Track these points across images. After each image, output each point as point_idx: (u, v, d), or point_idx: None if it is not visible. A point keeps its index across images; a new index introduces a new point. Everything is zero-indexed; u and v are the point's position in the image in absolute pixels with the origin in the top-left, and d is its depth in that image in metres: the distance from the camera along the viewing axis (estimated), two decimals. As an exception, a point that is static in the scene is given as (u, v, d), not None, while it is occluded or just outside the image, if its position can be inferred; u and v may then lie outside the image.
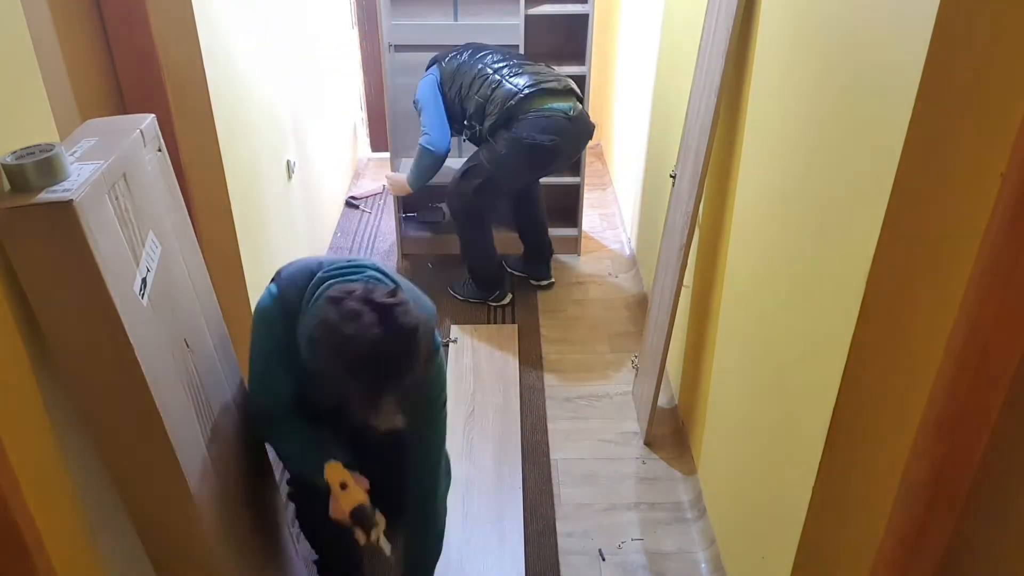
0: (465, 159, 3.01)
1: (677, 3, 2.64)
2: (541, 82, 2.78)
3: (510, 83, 2.78)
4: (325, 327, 1.30)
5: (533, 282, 3.35)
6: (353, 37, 4.39)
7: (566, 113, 2.80)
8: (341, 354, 1.29)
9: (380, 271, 1.54)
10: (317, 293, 1.44)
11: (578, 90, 2.91)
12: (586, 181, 3.51)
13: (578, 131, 2.88)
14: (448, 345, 2.95)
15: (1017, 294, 0.96)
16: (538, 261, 3.34)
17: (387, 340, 1.29)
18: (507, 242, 3.31)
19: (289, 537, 1.92)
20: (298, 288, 1.51)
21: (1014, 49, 0.95)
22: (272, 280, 1.57)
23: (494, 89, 2.79)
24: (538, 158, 2.85)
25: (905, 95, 1.05)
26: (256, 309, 1.56)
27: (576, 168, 3.36)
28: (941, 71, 1.01)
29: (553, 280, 3.35)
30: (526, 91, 2.75)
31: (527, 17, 3.14)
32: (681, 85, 2.49)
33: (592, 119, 2.97)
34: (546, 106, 2.77)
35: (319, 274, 1.50)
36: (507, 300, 3.22)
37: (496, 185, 2.92)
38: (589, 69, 3.21)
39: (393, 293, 1.36)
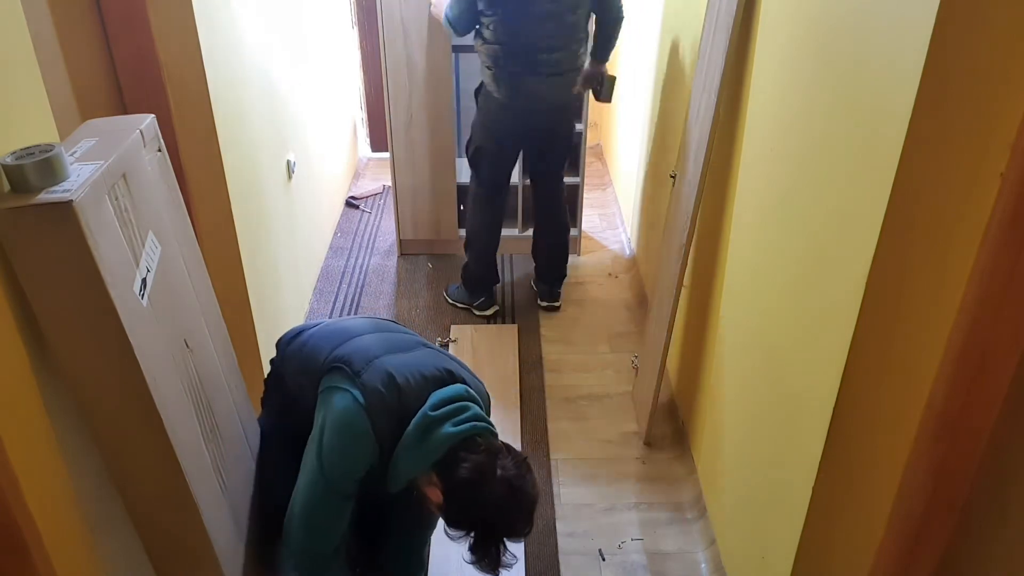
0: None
1: (677, 3, 2.64)
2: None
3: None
4: (480, 500, 1.43)
5: (540, 301, 3.22)
6: (353, 37, 4.39)
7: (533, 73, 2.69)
8: (482, 523, 1.44)
9: (469, 392, 1.58)
10: (435, 442, 1.46)
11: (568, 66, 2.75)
12: (586, 181, 3.51)
13: (540, 94, 2.75)
14: (447, 345, 2.95)
15: (1017, 294, 0.96)
16: (548, 278, 3.21)
17: (526, 523, 1.49)
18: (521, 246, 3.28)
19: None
20: (387, 408, 1.50)
21: (1014, 49, 0.95)
22: (339, 370, 1.53)
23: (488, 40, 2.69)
24: (494, 113, 2.80)
25: (905, 95, 1.05)
26: (341, 422, 1.48)
27: (576, 168, 3.36)
28: (941, 71, 1.01)
29: (559, 305, 3.19)
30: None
31: (527, 17, 3.14)
32: (681, 85, 2.49)
33: (591, 118, 2.95)
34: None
35: (426, 411, 1.49)
36: (491, 311, 3.13)
37: (480, 147, 2.90)
38: (589, 69, 3.21)
39: (521, 463, 1.48)
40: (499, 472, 1.43)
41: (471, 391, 1.59)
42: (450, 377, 1.60)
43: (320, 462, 1.49)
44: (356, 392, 1.49)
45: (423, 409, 1.50)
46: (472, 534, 1.44)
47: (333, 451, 1.49)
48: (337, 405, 1.50)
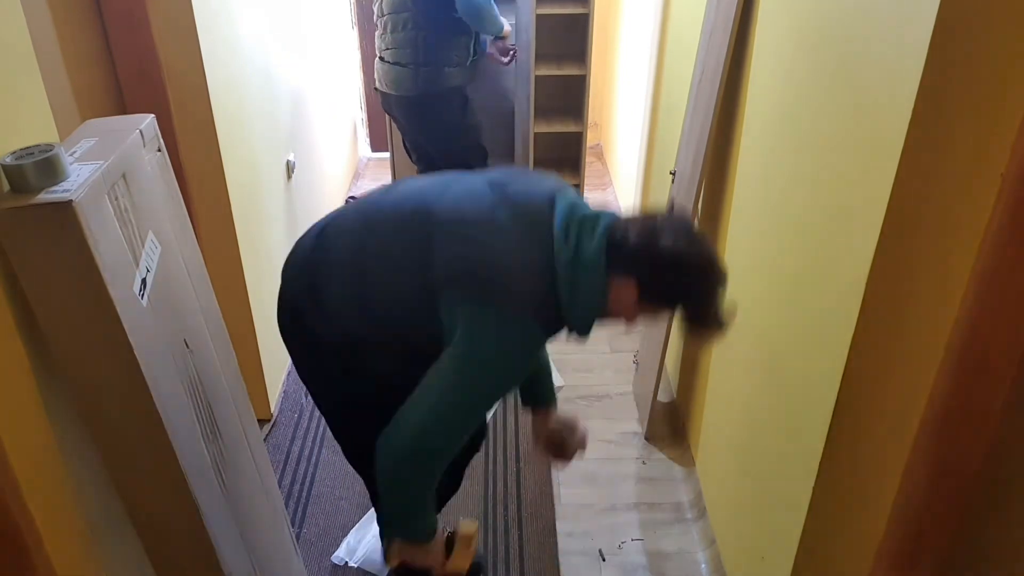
0: None
1: (677, 3, 2.64)
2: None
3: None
4: (697, 261, 1.27)
5: None
6: (353, 37, 4.39)
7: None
8: (691, 277, 1.26)
9: (566, 197, 1.36)
10: (589, 264, 1.27)
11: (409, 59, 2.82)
12: (586, 181, 3.51)
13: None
14: None
15: (1017, 294, 0.96)
16: None
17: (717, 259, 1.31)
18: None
19: (290, 537, 1.92)
20: (541, 297, 1.30)
21: (1014, 49, 0.95)
22: (490, 303, 1.28)
23: None
24: None
25: (905, 94, 1.05)
26: (515, 349, 1.32)
27: (576, 168, 3.37)
28: (941, 71, 1.01)
29: None
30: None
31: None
32: (680, 83, 2.49)
33: (591, 118, 2.95)
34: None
35: (564, 257, 1.28)
36: None
37: None
38: (589, 69, 3.21)
39: (668, 216, 1.34)
40: (663, 228, 1.26)
41: (567, 194, 1.37)
42: (549, 206, 1.34)
43: (483, 378, 1.31)
44: (516, 320, 1.30)
45: (554, 256, 1.29)
46: (689, 297, 1.28)
47: (505, 371, 1.33)
48: (504, 334, 1.30)
